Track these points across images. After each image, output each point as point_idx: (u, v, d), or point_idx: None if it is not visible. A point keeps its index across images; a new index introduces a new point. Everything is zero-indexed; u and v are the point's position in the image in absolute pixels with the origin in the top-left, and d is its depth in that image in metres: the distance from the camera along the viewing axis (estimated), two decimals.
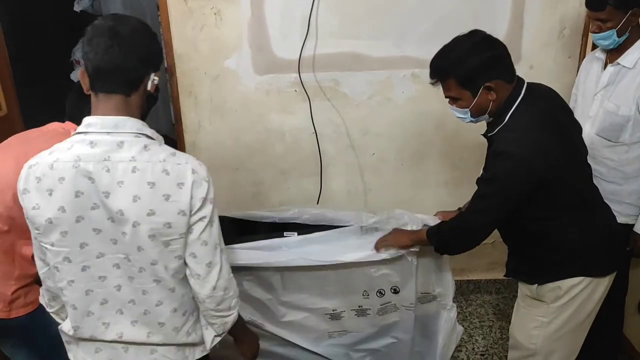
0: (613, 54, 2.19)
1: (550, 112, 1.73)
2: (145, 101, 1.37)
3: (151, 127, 1.39)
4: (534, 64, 2.73)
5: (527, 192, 1.64)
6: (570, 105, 2.44)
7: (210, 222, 1.35)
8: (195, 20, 2.67)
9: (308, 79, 2.75)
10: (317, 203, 2.91)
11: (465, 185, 2.96)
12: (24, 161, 1.35)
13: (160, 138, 1.39)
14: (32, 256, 1.46)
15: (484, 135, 1.79)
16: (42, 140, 1.58)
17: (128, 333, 1.42)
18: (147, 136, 1.33)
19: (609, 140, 2.19)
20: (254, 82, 2.78)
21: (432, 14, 2.66)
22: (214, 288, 1.38)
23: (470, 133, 2.85)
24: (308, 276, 2.19)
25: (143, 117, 1.37)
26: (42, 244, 1.35)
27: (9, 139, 1.83)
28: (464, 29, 2.62)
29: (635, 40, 2.12)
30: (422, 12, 2.66)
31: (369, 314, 2.30)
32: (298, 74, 2.71)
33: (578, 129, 1.83)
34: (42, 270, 1.43)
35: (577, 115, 2.37)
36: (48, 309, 1.54)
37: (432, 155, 2.93)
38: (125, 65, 1.28)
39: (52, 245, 1.33)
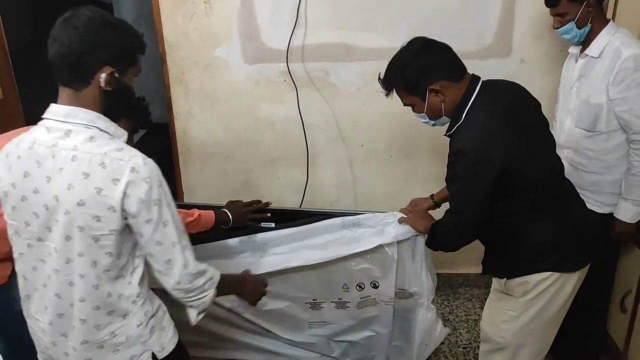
0: (583, 47, 2.23)
1: (511, 106, 1.72)
2: (101, 96, 1.33)
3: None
4: (525, 57, 2.70)
5: (491, 185, 1.62)
6: (557, 105, 2.45)
7: (161, 224, 1.33)
8: (186, 9, 2.68)
9: (297, 69, 2.75)
10: (304, 194, 2.92)
11: None
12: None
13: (120, 134, 1.37)
14: None
15: (445, 135, 1.80)
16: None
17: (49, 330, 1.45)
18: (100, 129, 1.32)
19: (587, 130, 2.21)
20: (244, 72, 2.79)
21: (423, 5, 2.64)
22: (178, 282, 1.40)
23: None
24: (290, 269, 2.20)
25: (107, 112, 1.35)
26: (4, 214, 1.40)
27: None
28: (455, 21, 2.64)
29: (599, 31, 2.17)
30: (413, 3, 2.65)
31: (349, 307, 2.32)
32: (286, 64, 2.71)
33: (544, 123, 1.82)
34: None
35: (558, 112, 2.40)
36: None
37: (422, 148, 2.91)
38: (68, 60, 1.28)
39: (8, 216, 1.39)
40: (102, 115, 1.34)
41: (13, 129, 2.94)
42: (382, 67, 2.80)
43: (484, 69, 2.70)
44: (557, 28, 2.21)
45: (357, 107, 2.84)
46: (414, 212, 2.20)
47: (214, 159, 2.98)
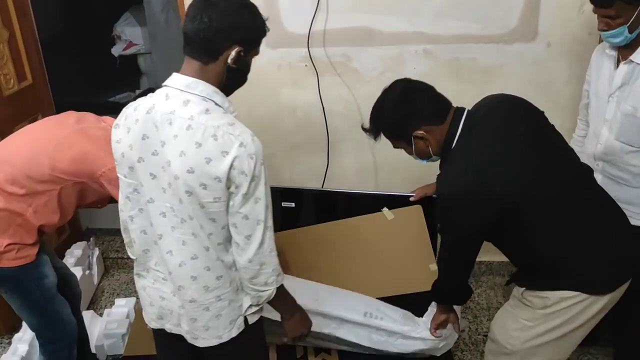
0: (624, 50, 2.02)
1: (507, 125, 1.65)
2: (224, 72, 1.40)
3: None
4: (551, 40, 2.64)
5: (487, 224, 1.59)
6: (583, 102, 2.30)
7: (253, 199, 1.38)
8: None
9: (318, 54, 2.74)
10: (324, 179, 2.92)
11: None
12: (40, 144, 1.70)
13: (232, 109, 1.43)
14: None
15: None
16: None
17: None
18: (216, 103, 1.39)
19: (630, 145, 2.01)
20: (266, 56, 2.79)
21: None
22: (250, 260, 1.43)
23: None
24: None
25: (223, 87, 1.42)
26: (119, 174, 1.49)
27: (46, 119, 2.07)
28: (478, 4, 2.58)
29: None
30: None
31: None
32: (307, 48, 2.70)
33: (552, 133, 1.73)
34: (120, 200, 1.54)
35: (592, 118, 2.20)
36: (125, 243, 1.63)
37: None
38: (204, 35, 1.34)
39: (125, 177, 1.48)
40: (219, 90, 1.40)
41: (42, 112, 3.04)
42: (404, 51, 2.81)
43: (509, 53, 2.69)
44: (604, 30, 1.96)
45: (378, 92, 2.78)
46: (424, 186, 2.21)
47: None
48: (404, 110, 1.68)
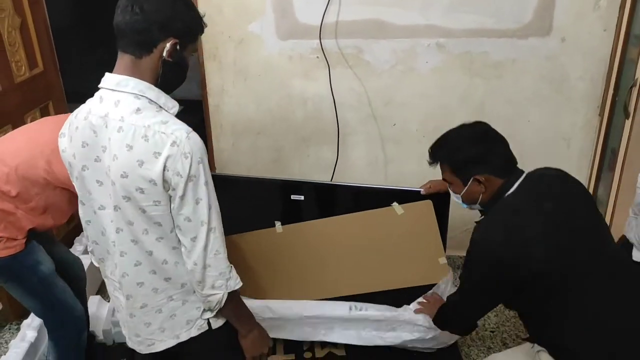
0: None
1: (556, 200, 1.60)
2: (160, 67, 1.33)
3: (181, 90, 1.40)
4: (566, 36, 2.61)
5: (498, 287, 1.60)
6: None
7: (194, 200, 1.31)
8: None
9: (330, 46, 2.73)
10: (333, 172, 2.91)
11: None
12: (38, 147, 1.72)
13: (171, 105, 1.36)
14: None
15: (476, 222, 1.76)
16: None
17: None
18: (150, 100, 1.32)
19: None
20: (277, 47, 2.78)
21: None
22: (195, 263, 1.36)
23: (496, 107, 2.79)
24: None
25: (159, 83, 1.35)
26: (73, 181, 1.45)
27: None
28: None
29: None
30: None
31: None
32: (319, 40, 2.69)
33: (596, 216, 1.68)
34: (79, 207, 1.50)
35: None
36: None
37: None
38: (136, 27, 1.28)
39: (75, 185, 1.45)
40: (153, 86, 1.33)
41: (52, 100, 3.05)
42: (416, 44, 2.79)
43: (522, 48, 2.66)
44: None
45: (389, 86, 2.80)
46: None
47: (245, 135, 2.99)
48: (479, 153, 1.66)
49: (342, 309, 2.23)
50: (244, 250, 2.35)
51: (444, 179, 1.79)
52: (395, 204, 2.21)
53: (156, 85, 1.34)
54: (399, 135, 2.91)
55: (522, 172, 1.68)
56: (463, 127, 1.75)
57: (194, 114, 3.18)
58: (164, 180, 1.28)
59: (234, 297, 1.45)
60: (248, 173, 3.00)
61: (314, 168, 3.00)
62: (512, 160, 1.69)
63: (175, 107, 1.37)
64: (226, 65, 2.85)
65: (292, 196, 2.28)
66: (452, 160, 1.71)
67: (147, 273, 1.42)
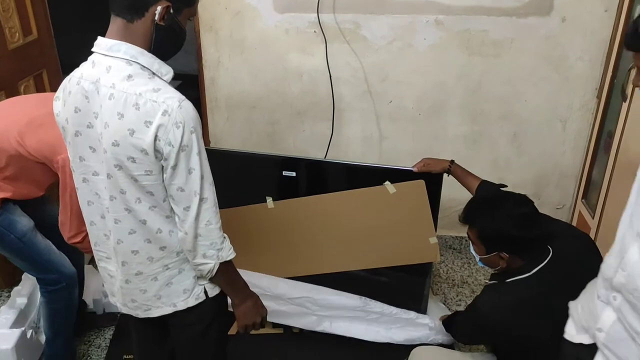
0: None
1: (563, 296, 1.42)
2: (152, 31, 1.29)
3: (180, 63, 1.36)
4: (567, 15, 2.57)
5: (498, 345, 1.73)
6: None
7: (186, 170, 1.30)
8: None
9: (328, 20, 2.69)
10: (328, 148, 2.90)
11: (484, 140, 2.90)
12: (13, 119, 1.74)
13: (164, 71, 1.33)
14: None
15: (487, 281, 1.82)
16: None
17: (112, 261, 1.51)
18: (142, 66, 1.29)
19: None
20: (274, 20, 2.74)
21: None
22: (186, 232, 1.36)
23: (494, 86, 2.77)
24: None
25: (155, 50, 1.31)
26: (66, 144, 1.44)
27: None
28: None
29: None
30: None
31: None
32: (317, 14, 2.65)
33: None
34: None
35: (622, 224, 1.22)
36: None
37: (452, 107, 2.84)
38: None
39: (68, 149, 1.43)
40: (145, 52, 1.30)
41: (46, 68, 3.02)
42: (415, 21, 2.75)
43: (521, 27, 2.63)
44: None
45: (386, 62, 2.77)
46: (430, 159, 2.22)
47: (240, 108, 2.97)
48: (516, 238, 1.63)
49: (353, 300, 2.37)
50: (234, 224, 2.33)
51: (468, 235, 1.77)
52: (387, 182, 2.21)
53: (149, 52, 1.31)
54: (394, 113, 2.89)
55: (548, 252, 1.65)
56: (505, 200, 1.72)
57: (193, 88, 3.16)
58: (156, 150, 1.26)
59: (226, 267, 1.45)
60: (243, 147, 2.99)
61: (309, 143, 2.98)
62: (540, 247, 1.66)
63: (169, 73, 1.34)
64: (222, 38, 2.81)
65: (284, 172, 2.26)
66: (486, 231, 1.69)
67: (142, 241, 1.42)
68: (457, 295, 2.81)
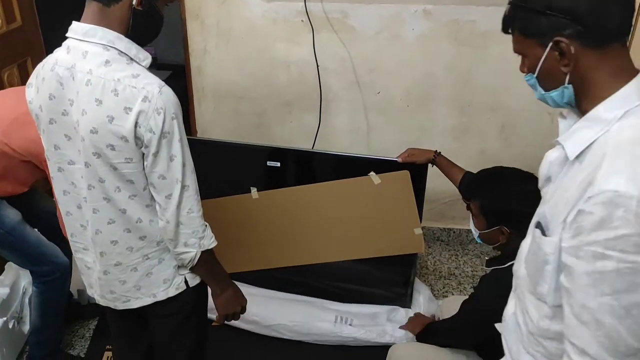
0: None
1: None
2: (130, 16, 1.26)
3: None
4: None
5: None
6: None
7: (168, 157, 1.27)
8: None
9: (315, 9, 2.66)
10: (315, 139, 2.88)
11: (472, 132, 2.88)
12: None
13: (142, 57, 1.30)
14: None
15: (485, 267, 1.75)
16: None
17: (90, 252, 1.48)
18: (120, 51, 1.26)
19: None
20: (261, 9, 2.71)
21: None
22: (168, 221, 1.34)
23: (482, 77, 2.75)
24: None
25: (133, 36, 1.28)
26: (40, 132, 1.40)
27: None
28: None
29: None
30: None
31: None
32: (304, 3, 2.62)
33: None
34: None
35: None
36: None
37: (440, 98, 2.82)
38: None
39: (42, 137, 1.39)
40: (123, 37, 1.27)
41: (31, 56, 2.97)
42: (403, 10, 2.72)
43: None
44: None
45: (374, 52, 2.74)
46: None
47: (228, 98, 2.94)
48: (520, 213, 1.45)
49: (327, 324, 2.36)
50: (218, 215, 2.32)
51: (468, 208, 1.75)
52: (372, 173, 2.19)
53: (126, 37, 1.28)
54: (382, 104, 2.86)
55: None
56: (517, 178, 1.68)
57: (182, 78, 3.13)
58: (136, 137, 1.24)
59: (208, 256, 1.44)
60: (230, 138, 2.96)
61: (296, 134, 2.96)
62: None
63: (147, 59, 1.31)
64: (209, 26, 2.78)
65: (268, 162, 2.25)
66: (490, 204, 1.66)
67: (121, 231, 1.39)
68: (443, 287, 2.80)
